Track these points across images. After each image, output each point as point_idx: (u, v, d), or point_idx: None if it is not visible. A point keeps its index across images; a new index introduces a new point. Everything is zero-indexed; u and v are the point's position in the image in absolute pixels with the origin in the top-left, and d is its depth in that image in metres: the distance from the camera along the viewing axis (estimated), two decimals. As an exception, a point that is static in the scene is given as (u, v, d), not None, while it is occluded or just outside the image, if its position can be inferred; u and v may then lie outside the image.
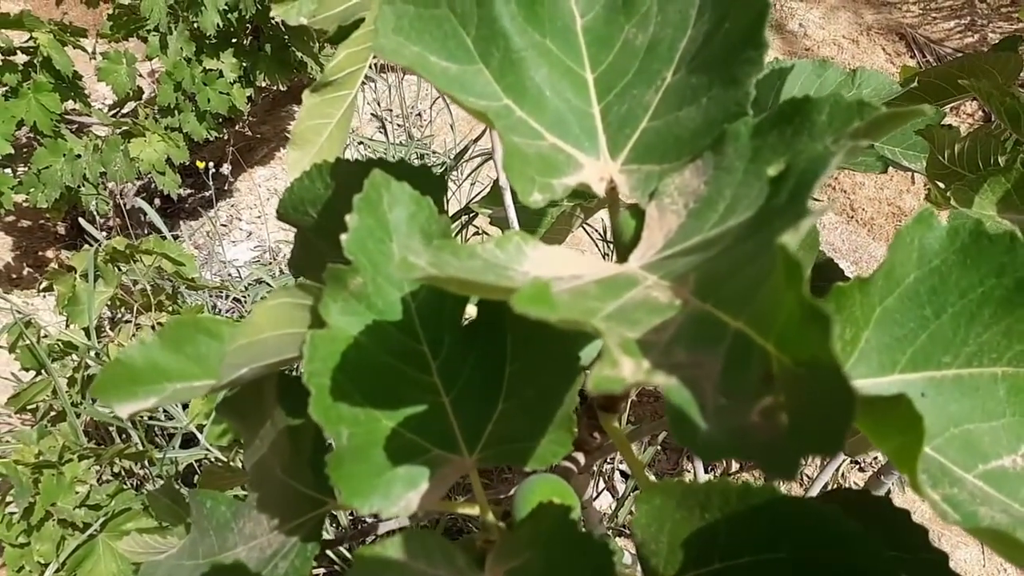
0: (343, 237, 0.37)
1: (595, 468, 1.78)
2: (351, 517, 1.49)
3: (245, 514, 0.54)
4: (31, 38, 1.86)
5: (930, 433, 0.35)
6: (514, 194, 0.98)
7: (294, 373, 0.51)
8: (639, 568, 0.38)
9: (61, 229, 2.33)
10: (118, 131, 1.95)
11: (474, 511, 0.45)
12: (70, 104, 2.01)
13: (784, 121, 0.31)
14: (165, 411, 1.49)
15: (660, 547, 0.37)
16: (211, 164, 2.08)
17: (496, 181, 1.03)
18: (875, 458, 1.79)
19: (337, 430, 0.36)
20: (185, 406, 1.52)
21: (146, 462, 1.44)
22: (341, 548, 1.31)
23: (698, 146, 0.37)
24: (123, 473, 1.48)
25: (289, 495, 0.50)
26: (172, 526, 0.73)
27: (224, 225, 2.28)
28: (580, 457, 0.55)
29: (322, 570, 1.43)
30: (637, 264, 0.35)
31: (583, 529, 0.33)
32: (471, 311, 0.43)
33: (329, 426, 0.36)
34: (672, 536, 0.36)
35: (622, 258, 0.38)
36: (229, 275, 2.02)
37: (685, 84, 0.39)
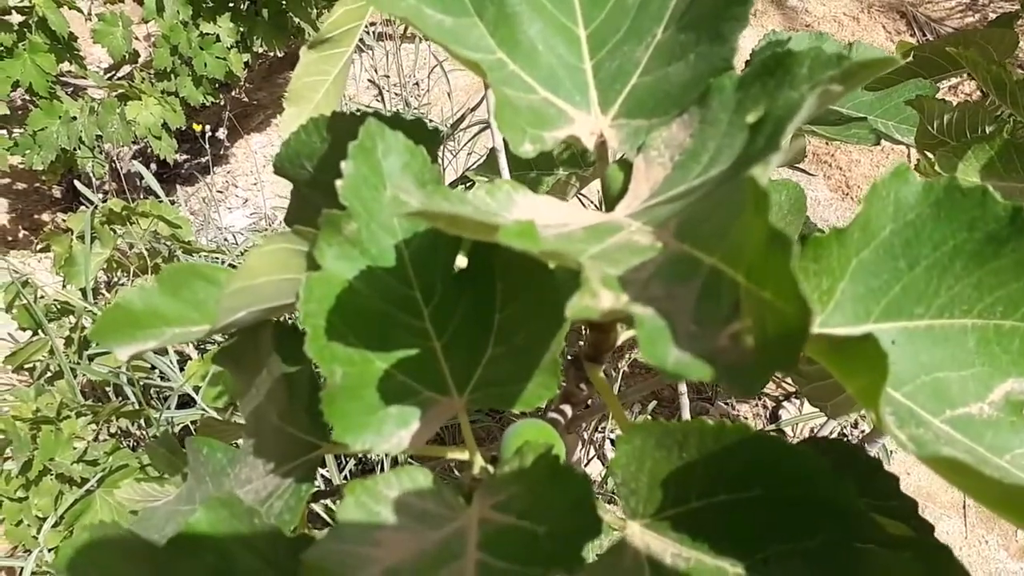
0: (338, 183, 0.38)
1: (586, 436, 1.80)
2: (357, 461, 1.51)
3: (241, 460, 0.56)
4: (26, -2, 1.85)
5: (901, 380, 0.36)
6: (509, 162, 0.99)
7: (289, 322, 0.52)
8: (619, 508, 0.40)
9: (57, 192, 2.33)
10: (114, 94, 1.94)
11: (464, 456, 0.47)
12: (66, 66, 2.00)
13: (767, 74, 0.32)
14: (161, 373, 1.50)
15: (639, 486, 0.38)
16: (207, 128, 2.07)
17: (492, 149, 1.04)
18: (863, 430, 1.82)
19: (331, 368, 0.38)
20: (182, 367, 1.53)
21: (143, 422, 1.45)
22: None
23: (685, 100, 0.38)
24: (120, 433, 1.50)
25: (284, 440, 0.51)
26: (170, 476, 0.74)
27: (220, 191, 2.28)
28: (567, 409, 0.56)
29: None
30: (623, 213, 0.36)
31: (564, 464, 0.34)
32: (461, 263, 0.44)
33: (324, 364, 0.37)
34: (651, 476, 0.38)
35: (609, 209, 0.39)
36: (225, 241, 2.02)
37: (674, 41, 0.40)
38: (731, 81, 0.35)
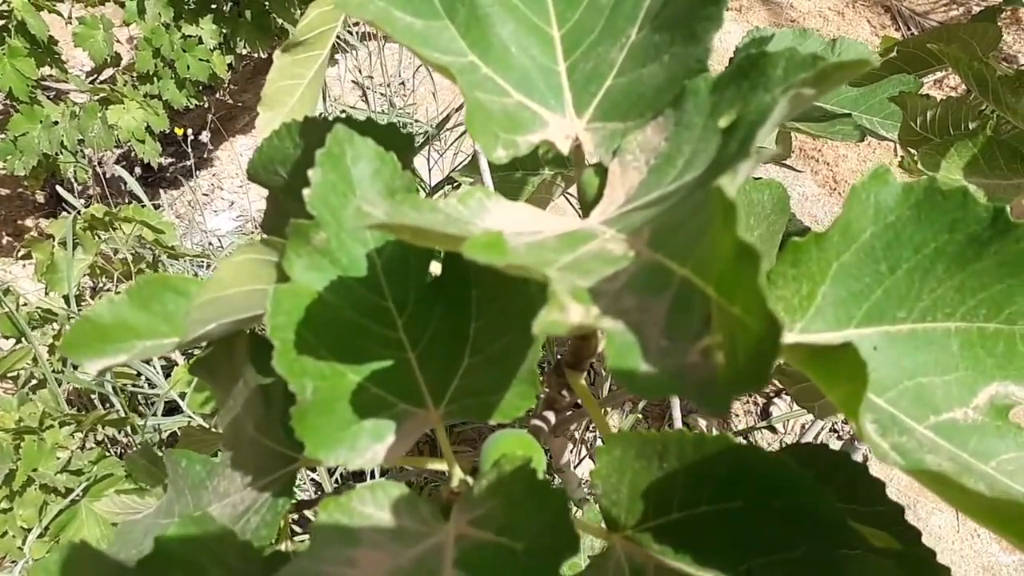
0: (305, 192, 0.37)
1: (576, 436, 1.79)
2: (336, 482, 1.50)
3: (219, 473, 0.55)
4: (4, 1, 1.83)
5: (883, 385, 0.36)
6: (492, 164, 0.98)
7: (263, 332, 0.51)
8: (601, 520, 0.39)
9: (40, 198, 2.30)
10: (96, 98, 1.92)
11: (442, 467, 0.46)
12: (47, 70, 1.98)
13: (741, 76, 0.32)
14: (148, 380, 1.49)
15: (620, 497, 0.38)
16: (190, 131, 2.05)
17: (476, 151, 1.03)
18: (851, 432, 1.82)
19: (301, 384, 0.37)
20: (168, 374, 1.52)
21: (128, 430, 1.44)
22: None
23: (660, 103, 0.37)
24: (106, 441, 1.48)
25: (261, 453, 0.50)
26: (150, 487, 0.73)
27: (205, 194, 2.26)
28: (551, 416, 0.55)
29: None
30: (598, 220, 0.35)
31: (543, 478, 0.34)
32: (436, 271, 0.43)
33: (293, 379, 0.36)
34: (632, 486, 0.37)
35: (585, 214, 0.38)
36: (211, 244, 2.01)
37: (649, 41, 0.39)
38: (705, 84, 0.34)
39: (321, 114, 0.52)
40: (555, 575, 0.30)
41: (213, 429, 0.90)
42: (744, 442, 0.34)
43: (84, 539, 0.40)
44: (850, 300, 0.36)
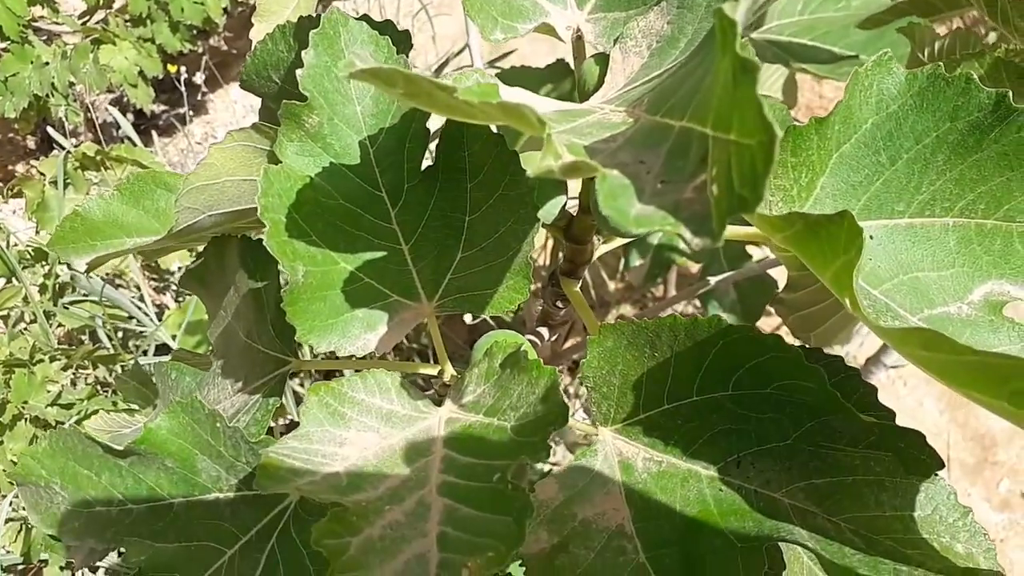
0: (299, 72, 0.36)
1: (571, 391, 1.80)
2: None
3: (209, 382, 0.55)
4: (-6, -63, 1.78)
5: (879, 278, 0.36)
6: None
7: (255, 237, 0.50)
8: (591, 414, 0.39)
9: (31, 143, 2.27)
10: (88, 38, 1.89)
11: (433, 371, 0.46)
12: (38, 11, 1.94)
13: (747, -53, 0.31)
14: (138, 321, 1.48)
15: (611, 391, 0.38)
16: (183, 69, 2.02)
17: (470, 46, 1.00)
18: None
19: (293, 266, 0.36)
20: (160, 318, 1.51)
21: (119, 370, 1.44)
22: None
23: (663, -12, 0.36)
24: (96, 382, 1.48)
25: (252, 358, 0.50)
26: (141, 407, 0.73)
27: (199, 142, 2.24)
28: (544, 332, 0.55)
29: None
30: (597, 102, 0.35)
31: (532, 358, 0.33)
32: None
33: (285, 261, 0.36)
34: (623, 378, 0.37)
35: (583, 101, 0.37)
36: (205, 192, 1.98)
37: (653, -73, 0.38)
38: (710, -39, 0.33)
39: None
40: (543, 445, 0.30)
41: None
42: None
43: (75, 425, 0.40)
44: (849, 191, 0.36)
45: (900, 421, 0.36)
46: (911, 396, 1.61)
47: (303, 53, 0.36)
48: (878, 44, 0.96)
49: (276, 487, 0.30)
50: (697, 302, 1.59)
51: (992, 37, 0.91)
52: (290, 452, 0.33)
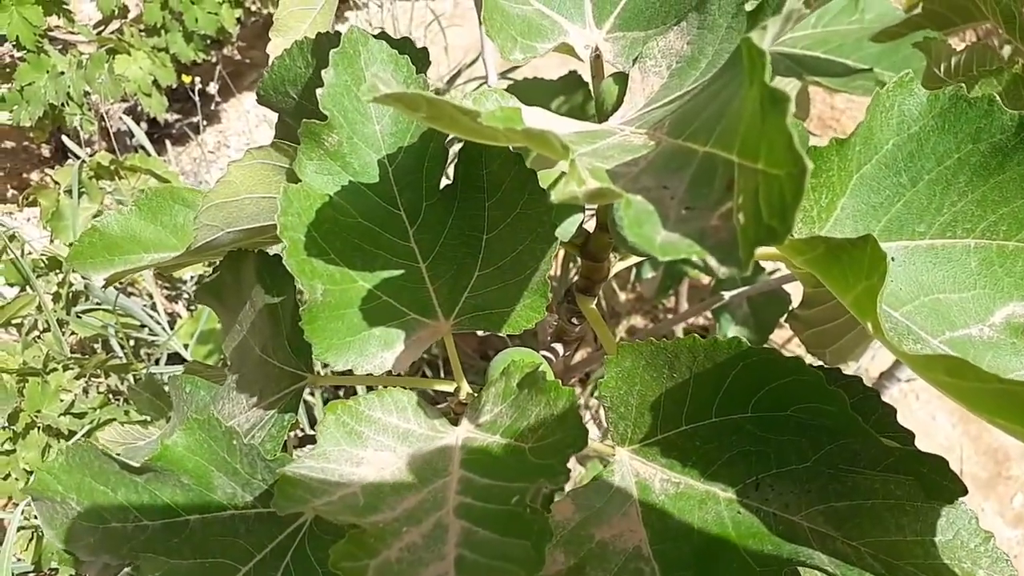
0: (319, 91, 0.36)
1: (584, 403, 1.80)
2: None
3: (224, 396, 0.55)
4: (12, -51, 1.80)
5: (900, 299, 0.35)
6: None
7: (271, 253, 0.50)
8: (608, 434, 0.39)
9: (46, 152, 2.29)
10: (103, 48, 1.91)
11: (449, 387, 0.46)
12: (55, 21, 1.96)
13: (768, -30, 0.31)
14: (151, 330, 1.49)
15: (629, 410, 0.37)
16: (197, 79, 2.04)
17: (486, 61, 1.01)
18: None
19: (311, 285, 0.36)
20: (172, 327, 1.52)
21: (131, 379, 1.44)
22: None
23: (683, 8, 0.36)
24: (108, 391, 1.49)
25: (268, 373, 0.50)
26: (154, 419, 0.73)
27: (212, 151, 2.25)
28: (559, 348, 0.55)
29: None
30: (617, 123, 0.35)
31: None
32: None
33: (303, 279, 0.36)
34: (641, 399, 0.37)
35: (602, 121, 0.37)
36: (217, 201, 1.99)
37: (673, -53, 0.38)
38: (731, -18, 0.33)
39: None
40: (562, 469, 0.30)
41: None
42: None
43: (90, 439, 0.40)
44: (869, 212, 0.35)
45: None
46: (923, 410, 1.60)
47: (323, 72, 0.37)
48: (892, 57, 0.96)
49: (293, 507, 0.30)
50: (709, 314, 1.58)
51: (1007, 50, 0.90)
52: (307, 471, 0.33)
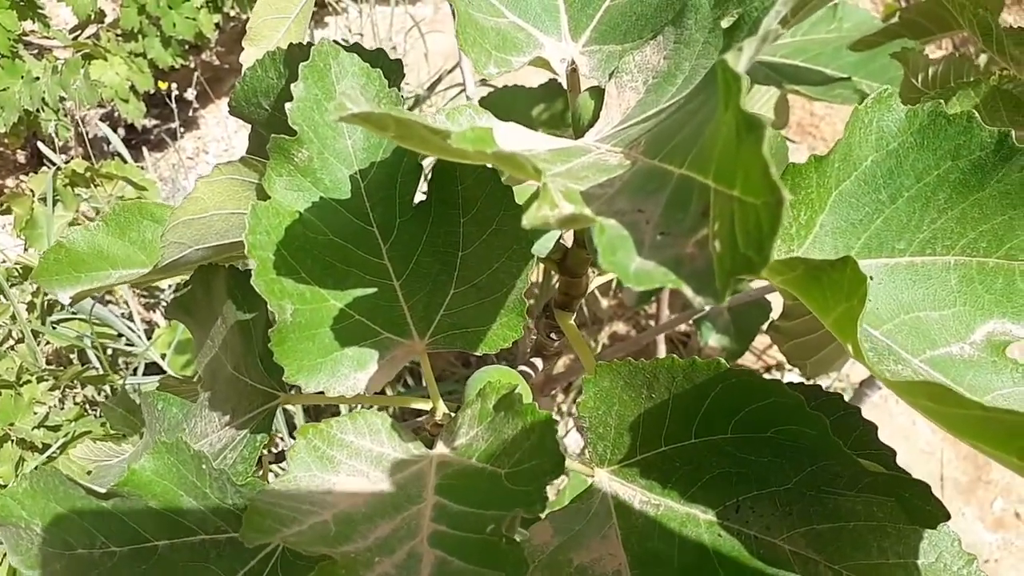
0: (288, 106, 0.35)
1: (564, 409, 1.79)
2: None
3: (196, 414, 0.53)
4: (-15, -48, 1.77)
5: (880, 318, 0.35)
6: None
7: (242, 267, 0.49)
8: (587, 454, 0.38)
9: (21, 158, 2.26)
10: (79, 53, 1.88)
11: (426, 405, 0.45)
12: (29, 25, 1.93)
13: (745, -14, 0.30)
14: (128, 340, 1.46)
15: (607, 431, 0.37)
16: (175, 85, 2.01)
17: (464, 71, 1.00)
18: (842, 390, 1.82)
19: (281, 305, 0.35)
20: (149, 337, 1.50)
21: (108, 390, 1.42)
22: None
23: (660, 22, 0.36)
24: (85, 402, 1.46)
25: (241, 391, 0.49)
26: (127, 435, 0.72)
27: (191, 158, 2.23)
28: (538, 362, 0.54)
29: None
30: (593, 139, 0.34)
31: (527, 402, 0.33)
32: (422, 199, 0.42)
33: (272, 299, 0.35)
34: (619, 419, 0.36)
35: (579, 137, 0.37)
36: (196, 207, 1.97)
37: (649, -40, 0.37)
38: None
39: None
40: (539, 497, 0.29)
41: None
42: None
43: (54, 466, 0.39)
44: (849, 229, 0.35)
45: (893, 440, 0.35)
46: (904, 415, 1.60)
47: (292, 86, 0.36)
48: (869, 66, 0.96)
49: (261, 538, 0.29)
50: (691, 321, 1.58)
51: (983, 59, 0.91)
52: (276, 500, 0.32)
